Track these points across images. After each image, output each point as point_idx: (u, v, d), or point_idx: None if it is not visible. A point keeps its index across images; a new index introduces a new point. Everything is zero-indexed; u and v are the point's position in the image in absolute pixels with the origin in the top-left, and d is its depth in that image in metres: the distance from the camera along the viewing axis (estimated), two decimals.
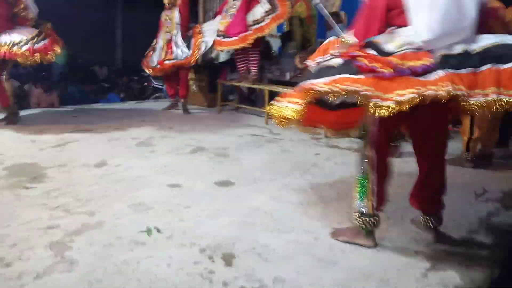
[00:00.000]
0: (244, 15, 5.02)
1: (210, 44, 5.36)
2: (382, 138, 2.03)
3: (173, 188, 2.85)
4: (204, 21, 7.31)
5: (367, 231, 2.10)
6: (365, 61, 1.78)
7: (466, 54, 1.77)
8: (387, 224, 2.34)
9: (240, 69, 5.56)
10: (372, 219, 2.06)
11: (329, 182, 3.08)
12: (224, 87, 6.17)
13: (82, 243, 2.06)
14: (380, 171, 2.06)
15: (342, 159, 3.70)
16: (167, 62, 5.51)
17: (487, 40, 1.80)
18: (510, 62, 1.71)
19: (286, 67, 5.58)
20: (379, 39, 1.90)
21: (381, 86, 1.73)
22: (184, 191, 2.81)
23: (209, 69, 6.16)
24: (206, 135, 4.40)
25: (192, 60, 5.37)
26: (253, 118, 5.54)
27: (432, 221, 2.15)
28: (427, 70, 1.73)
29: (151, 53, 5.72)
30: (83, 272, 1.81)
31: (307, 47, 5.77)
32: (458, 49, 1.79)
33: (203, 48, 5.35)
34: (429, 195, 2.15)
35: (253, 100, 6.44)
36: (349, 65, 1.84)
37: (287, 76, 5.53)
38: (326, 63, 1.94)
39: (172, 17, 5.48)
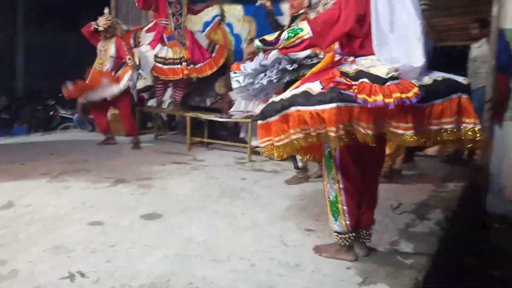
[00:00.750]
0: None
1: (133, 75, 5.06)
2: (348, 160, 2.12)
3: (95, 226, 2.63)
4: None
5: (347, 247, 2.21)
6: (366, 97, 1.81)
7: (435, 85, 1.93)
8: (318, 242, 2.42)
9: (159, 96, 5.52)
10: (349, 236, 2.18)
11: (259, 206, 3.10)
12: (141, 115, 5.97)
13: None
14: (349, 190, 2.15)
15: (269, 182, 3.76)
16: None
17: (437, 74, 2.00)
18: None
19: (206, 93, 5.59)
20: (363, 64, 1.98)
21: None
22: (108, 228, 2.61)
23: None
24: (126, 166, 4.18)
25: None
26: (174, 146, 5.41)
27: (364, 236, 2.28)
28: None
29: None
30: None
31: (227, 73, 5.84)
32: (426, 79, 1.94)
33: (126, 79, 4.96)
34: (364, 211, 2.25)
35: (173, 127, 6.33)
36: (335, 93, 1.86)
37: (208, 102, 5.54)
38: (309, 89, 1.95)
39: (107, 49, 5.04)
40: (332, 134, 1.82)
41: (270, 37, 2.19)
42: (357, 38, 2.04)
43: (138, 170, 4.04)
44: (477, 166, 4.25)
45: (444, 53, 8.20)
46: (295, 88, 2.05)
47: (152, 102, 6.30)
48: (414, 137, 1.84)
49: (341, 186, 2.14)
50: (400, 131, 1.86)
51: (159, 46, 5.27)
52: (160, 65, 5.23)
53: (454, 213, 3.05)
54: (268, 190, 3.51)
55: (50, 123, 8.35)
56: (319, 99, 1.87)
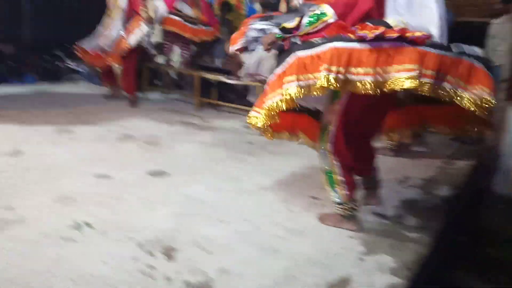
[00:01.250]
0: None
1: (145, 29, 4.85)
2: (341, 136, 2.11)
3: (100, 178, 2.64)
4: None
5: (348, 216, 2.22)
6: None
7: None
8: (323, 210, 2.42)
9: (166, 52, 5.44)
10: (349, 206, 2.20)
11: (265, 171, 3.09)
12: (150, 71, 5.87)
13: (2, 240, 1.82)
14: (343, 163, 2.16)
15: (276, 148, 3.72)
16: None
17: None
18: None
19: (216, 53, 5.47)
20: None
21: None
22: (114, 181, 2.62)
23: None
24: (133, 122, 4.16)
25: (124, 46, 4.74)
26: (182, 105, 5.36)
27: (370, 182, 2.44)
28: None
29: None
30: (10, 274, 1.60)
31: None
32: None
33: (138, 35, 4.80)
34: (364, 160, 2.36)
35: (182, 86, 6.24)
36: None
37: (217, 63, 5.44)
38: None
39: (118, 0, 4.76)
40: (324, 73, 1.75)
41: (290, 25, 2.16)
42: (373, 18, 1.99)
43: (146, 127, 4.03)
44: (488, 146, 4.19)
45: (462, 28, 7.98)
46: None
47: (160, 59, 6.19)
48: (416, 81, 1.69)
49: (334, 158, 2.15)
50: (403, 75, 1.71)
51: (179, 2, 5.10)
52: (179, 20, 5.06)
53: (460, 191, 3.03)
54: (274, 156, 3.49)
55: (58, 73, 8.26)
56: (320, 43, 1.86)
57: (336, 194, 2.20)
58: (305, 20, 2.07)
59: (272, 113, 1.94)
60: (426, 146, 4.23)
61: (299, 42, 2.53)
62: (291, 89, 1.85)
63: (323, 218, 2.34)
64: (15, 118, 3.78)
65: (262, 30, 3.32)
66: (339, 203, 2.21)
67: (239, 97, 5.37)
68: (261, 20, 3.31)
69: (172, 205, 2.36)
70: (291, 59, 1.91)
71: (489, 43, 4.90)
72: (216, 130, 4.23)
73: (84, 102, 4.89)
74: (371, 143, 2.44)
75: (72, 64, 7.80)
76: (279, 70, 1.96)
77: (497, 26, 4.86)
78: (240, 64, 5.27)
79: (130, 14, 4.80)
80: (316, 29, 2.05)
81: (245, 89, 5.28)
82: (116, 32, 4.76)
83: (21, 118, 3.81)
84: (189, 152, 3.38)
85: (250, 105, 5.10)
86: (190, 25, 5.12)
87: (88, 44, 4.94)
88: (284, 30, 2.18)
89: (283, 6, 4.03)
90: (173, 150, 3.41)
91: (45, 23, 7.16)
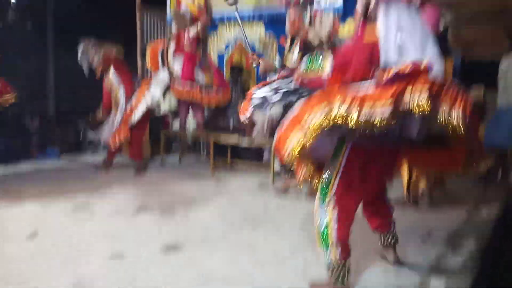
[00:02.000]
0: None
1: (158, 95, 5.06)
2: (347, 189, 2.09)
3: (115, 259, 2.62)
4: (144, 68, 7.30)
5: (340, 281, 2.11)
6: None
7: None
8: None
9: (182, 117, 5.55)
10: (341, 269, 2.10)
11: (281, 235, 3.02)
12: (166, 136, 6.02)
13: None
14: (342, 221, 2.09)
15: (291, 209, 3.67)
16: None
17: None
18: None
19: (229, 114, 5.58)
20: None
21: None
22: (128, 261, 2.59)
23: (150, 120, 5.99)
24: (150, 191, 4.20)
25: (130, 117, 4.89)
26: (198, 168, 5.42)
27: (389, 238, 2.44)
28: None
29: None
30: None
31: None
32: None
33: (149, 102, 4.98)
34: (379, 215, 2.43)
35: (197, 149, 6.35)
36: None
37: (231, 123, 5.53)
38: None
39: (112, 82, 4.98)
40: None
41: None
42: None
43: (161, 195, 4.05)
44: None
45: (472, 66, 7.96)
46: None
47: (175, 124, 6.35)
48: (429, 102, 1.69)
49: (335, 214, 2.09)
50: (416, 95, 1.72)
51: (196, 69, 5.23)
52: (195, 89, 5.17)
53: (488, 244, 2.87)
54: (290, 217, 3.43)
55: (79, 145, 8.56)
56: None
57: (328, 254, 2.10)
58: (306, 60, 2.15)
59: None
60: (447, 194, 4.08)
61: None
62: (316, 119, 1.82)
63: (314, 286, 2.24)
64: (35, 197, 3.87)
65: (264, 97, 3.42)
66: (331, 266, 2.11)
67: (255, 156, 5.40)
68: (262, 88, 3.41)
69: (187, 284, 2.30)
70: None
71: (501, 80, 4.84)
72: (231, 192, 4.22)
73: (101, 172, 4.99)
74: (385, 196, 2.45)
75: (93, 134, 8.08)
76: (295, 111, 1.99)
77: (507, 62, 4.83)
78: (253, 124, 5.36)
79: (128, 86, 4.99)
80: (312, 79, 2.12)
81: (260, 147, 5.31)
82: (122, 106, 4.92)
83: (40, 196, 3.90)
84: (204, 220, 3.36)
85: (266, 163, 5.15)
86: (204, 92, 5.22)
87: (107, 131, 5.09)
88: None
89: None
90: (188, 218, 3.40)
91: (69, 96, 7.51)
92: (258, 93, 3.47)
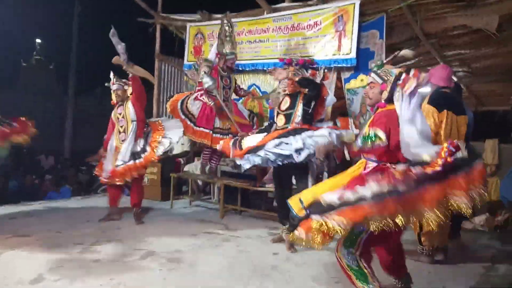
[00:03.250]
0: None
1: (175, 140, 4.96)
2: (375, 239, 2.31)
3: None
4: (159, 113, 7.45)
5: None
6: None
7: None
8: None
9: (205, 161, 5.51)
10: None
11: None
12: (177, 179, 6.03)
13: None
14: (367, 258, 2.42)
15: (301, 259, 3.58)
16: (117, 168, 4.61)
17: None
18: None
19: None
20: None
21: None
22: None
23: (161, 162, 6.04)
24: (158, 236, 4.15)
25: (152, 158, 4.68)
26: (208, 212, 5.38)
27: (404, 282, 2.65)
28: None
29: (102, 161, 4.85)
30: None
31: None
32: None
33: (167, 145, 4.86)
34: (395, 263, 2.65)
35: (208, 193, 6.33)
36: None
37: (242, 169, 5.53)
38: None
39: (125, 114, 4.78)
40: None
41: None
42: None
43: (169, 241, 3.99)
44: None
45: (485, 117, 7.97)
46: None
47: (188, 167, 6.38)
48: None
49: (360, 253, 2.35)
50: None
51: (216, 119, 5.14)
52: (209, 132, 5.07)
53: None
54: (300, 268, 3.33)
55: (92, 184, 8.63)
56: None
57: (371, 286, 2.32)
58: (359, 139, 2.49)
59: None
60: (463, 247, 3.95)
61: None
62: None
63: None
64: (42, 241, 3.85)
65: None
66: None
67: (265, 202, 5.35)
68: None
69: None
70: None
71: None
72: (240, 240, 4.15)
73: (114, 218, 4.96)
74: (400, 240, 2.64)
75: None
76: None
77: None
78: (264, 170, 5.37)
79: (141, 124, 4.81)
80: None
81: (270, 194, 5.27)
82: (131, 147, 4.69)
83: (48, 239, 3.88)
84: (211, 270, 3.28)
85: (276, 210, 5.08)
86: (216, 135, 5.07)
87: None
88: None
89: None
90: (195, 268, 3.32)
91: (85, 138, 7.64)
92: (281, 150, 3.61)
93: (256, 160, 3.72)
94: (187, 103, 5.14)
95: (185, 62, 6.91)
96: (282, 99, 4.03)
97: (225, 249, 3.84)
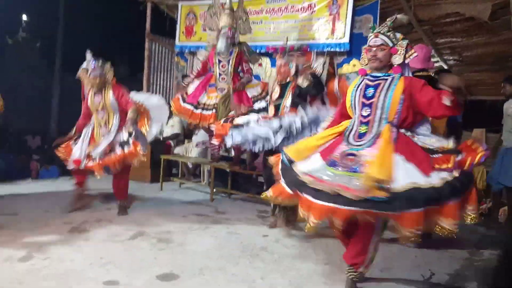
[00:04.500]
0: None
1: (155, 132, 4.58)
2: None
3: (110, 286, 2.55)
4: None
5: None
6: None
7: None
8: None
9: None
10: None
11: (280, 270, 2.95)
12: (167, 162, 6.00)
13: None
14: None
15: (291, 241, 3.61)
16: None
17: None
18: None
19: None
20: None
21: None
22: None
23: (151, 143, 5.99)
24: (148, 217, 4.15)
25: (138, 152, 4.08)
26: (198, 195, 5.38)
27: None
28: None
29: (70, 142, 4.27)
30: None
31: None
32: None
33: (156, 131, 4.56)
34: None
35: (198, 175, 6.32)
36: None
37: (232, 153, 5.52)
38: None
39: (107, 105, 4.18)
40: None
41: None
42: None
43: (159, 222, 3.99)
44: None
45: (475, 107, 8.05)
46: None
47: (178, 150, 6.35)
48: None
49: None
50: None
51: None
52: (191, 108, 4.95)
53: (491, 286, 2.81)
54: (290, 250, 3.37)
55: None
56: None
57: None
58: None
59: None
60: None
61: None
62: None
63: None
64: (30, 220, 3.82)
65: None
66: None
67: (255, 186, 5.37)
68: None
69: None
70: None
71: (506, 122, 4.85)
72: (230, 221, 4.16)
73: (101, 197, 4.92)
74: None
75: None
76: None
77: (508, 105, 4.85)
78: (255, 154, 5.37)
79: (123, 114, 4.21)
80: None
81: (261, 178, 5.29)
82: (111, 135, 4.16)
83: (36, 218, 3.85)
84: (201, 249, 3.29)
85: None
86: (200, 111, 4.93)
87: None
88: None
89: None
90: (185, 248, 3.33)
91: (72, 117, 7.53)
92: (260, 131, 3.61)
93: (237, 137, 3.67)
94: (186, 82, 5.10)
95: (177, 42, 6.81)
96: (274, 89, 4.01)
97: (215, 230, 3.86)
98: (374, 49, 2.51)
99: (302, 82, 3.82)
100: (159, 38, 7.41)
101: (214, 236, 3.66)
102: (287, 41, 4.14)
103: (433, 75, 3.64)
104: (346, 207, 2.09)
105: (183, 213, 4.37)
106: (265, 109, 4.28)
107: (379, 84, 2.49)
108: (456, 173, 2.11)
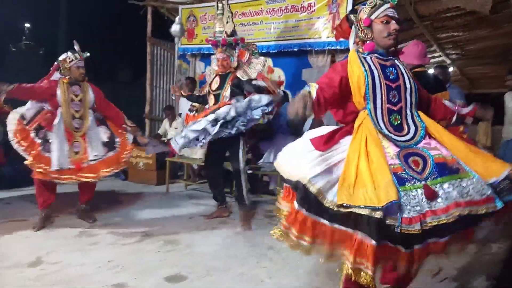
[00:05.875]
0: None
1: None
2: None
3: None
4: (152, 99, 7.38)
5: None
6: None
7: None
8: None
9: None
10: None
11: (287, 268, 2.96)
12: (173, 164, 6.03)
13: None
14: None
15: None
16: (91, 162, 3.80)
17: None
18: None
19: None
20: None
21: None
22: None
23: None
24: (155, 219, 4.18)
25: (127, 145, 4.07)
26: (203, 196, 5.40)
27: None
28: None
29: (39, 149, 3.66)
30: None
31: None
32: None
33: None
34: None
35: (203, 176, 6.34)
36: None
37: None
38: None
39: (85, 99, 3.93)
40: None
41: None
42: None
43: (165, 224, 4.02)
44: None
45: (478, 100, 8.03)
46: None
47: (183, 151, 6.37)
48: None
49: None
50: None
51: None
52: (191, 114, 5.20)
53: (498, 281, 2.80)
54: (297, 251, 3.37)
55: None
56: None
57: None
58: None
59: None
60: None
61: None
62: None
63: None
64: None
65: (204, 129, 3.68)
66: None
67: (261, 186, 5.39)
68: (200, 120, 3.78)
69: None
70: None
71: (507, 114, 4.85)
72: (236, 222, 4.17)
73: (107, 200, 4.96)
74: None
75: None
76: None
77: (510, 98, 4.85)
78: (259, 153, 5.38)
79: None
80: None
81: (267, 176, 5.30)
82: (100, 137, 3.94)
83: (45, 224, 3.87)
84: (208, 250, 3.31)
85: (272, 193, 5.12)
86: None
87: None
88: None
89: None
90: (192, 249, 3.35)
91: None
92: (196, 126, 3.74)
93: (180, 140, 3.77)
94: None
95: (178, 45, 6.83)
96: (213, 79, 4.17)
97: (221, 229, 3.88)
98: (394, 22, 2.01)
99: (242, 75, 4.01)
100: (160, 41, 7.46)
101: (221, 236, 3.68)
102: (227, 35, 4.19)
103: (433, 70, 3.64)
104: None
105: (190, 215, 4.40)
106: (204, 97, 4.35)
107: (393, 64, 2.03)
108: None
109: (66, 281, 2.67)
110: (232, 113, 3.73)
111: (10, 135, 3.72)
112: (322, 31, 5.38)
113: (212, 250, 3.31)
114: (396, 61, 2.06)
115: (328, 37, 5.34)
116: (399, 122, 1.91)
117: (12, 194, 5.26)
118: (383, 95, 1.93)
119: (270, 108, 3.79)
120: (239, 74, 4.03)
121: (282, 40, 5.68)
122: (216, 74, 4.16)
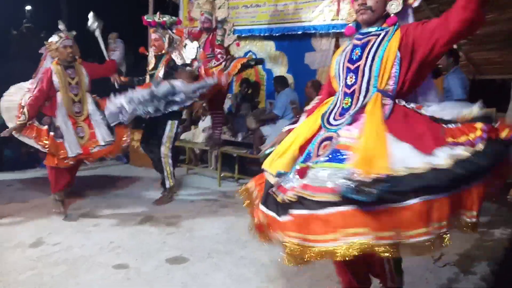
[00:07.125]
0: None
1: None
2: None
3: (119, 270, 2.58)
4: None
5: None
6: None
7: None
8: None
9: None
10: None
11: None
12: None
13: None
14: None
15: None
16: (96, 148, 3.78)
17: None
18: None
19: (237, 127, 5.57)
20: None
21: None
22: (132, 273, 2.55)
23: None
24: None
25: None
26: (205, 180, 5.39)
27: None
28: None
29: (51, 134, 3.61)
30: None
31: (258, 108, 5.85)
32: None
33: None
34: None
35: (205, 160, 6.32)
36: None
37: (239, 137, 5.51)
38: None
39: (81, 82, 3.84)
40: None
41: None
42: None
43: (167, 207, 4.02)
44: None
45: (483, 86, 7.93)
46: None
47: (184, 136, 6.35)
48: None
49: None
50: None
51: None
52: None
53: (501, 267, 2.79)
54: None
55: None
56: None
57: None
58: None
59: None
60: None
61: None
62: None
63: None
64: (40, 207, 3.85)
65: (121, 106, 3.60)
66: None
67: (263, 170, 5.36)
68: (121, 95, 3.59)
69: None
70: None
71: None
72: (238, 206, 4.15)
73: (109, 183, 4.96)
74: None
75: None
76: None
77: None
78: (261, 138, 5.34)
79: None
80: None
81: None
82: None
83: (45, 205, 3.86)
84: (210, 233, 3.31)
85: None
86: None
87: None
88: None
89: None
90: (193, 232, 3.35)
91: None
92: (116, 101, 3.60)
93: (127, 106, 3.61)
94: None
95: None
96: (150, 60, 4.26)
97: (223, 213, 3.88)
98: None
99: (176, 57, 4.03)
100: None
101: (222, 220, 3.67)
102: (159, 17, 4.15)
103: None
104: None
105: (191, 198, 4.39)
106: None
107: (368, 41, 1.79)
108: (481, 145, 1.44)
109: (68, 261, 2.67)
110: (147, 97, 3.55)
111: (12, 132, 3.59)
112: (327, 13, 5.28)
113: (213, 233, 3.31)
114: (380, 33, 1.78)
115: (332, 19, 5.24)
116: (349, 105, 1.79)
117: (13, 176, 5.25)
118: (341, 80, 1.86)
119: (198, 94, 3.80)
120: (175, 56, 4.04)
121: (285, 23, 5.58)
122: (154, 55, 4.19)
